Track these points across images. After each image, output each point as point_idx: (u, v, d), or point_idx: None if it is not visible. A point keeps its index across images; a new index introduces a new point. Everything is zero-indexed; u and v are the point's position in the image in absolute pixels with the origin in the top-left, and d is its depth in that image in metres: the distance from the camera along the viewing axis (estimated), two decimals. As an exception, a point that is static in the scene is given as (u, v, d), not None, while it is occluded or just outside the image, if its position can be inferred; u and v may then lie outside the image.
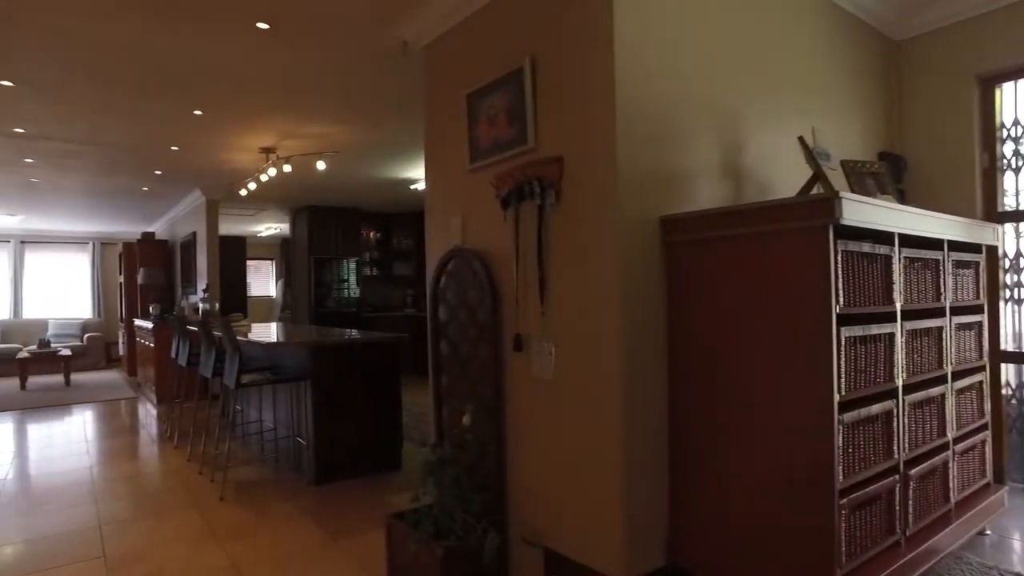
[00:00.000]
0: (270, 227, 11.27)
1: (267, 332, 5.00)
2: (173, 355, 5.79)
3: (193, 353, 5.33)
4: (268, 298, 13.26)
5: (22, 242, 11.11)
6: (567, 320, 2.30)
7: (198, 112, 4.46)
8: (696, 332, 2.17)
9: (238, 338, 4.01)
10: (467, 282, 2.72)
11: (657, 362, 2.22)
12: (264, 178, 5.52)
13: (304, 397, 4.12)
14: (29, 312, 11.07)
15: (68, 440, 5.36)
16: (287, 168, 5.20)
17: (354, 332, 4.76)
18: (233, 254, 9.07)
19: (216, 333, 4.61)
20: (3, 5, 2.94)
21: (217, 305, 6.14)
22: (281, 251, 13.30)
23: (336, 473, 4.09)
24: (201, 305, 6.11)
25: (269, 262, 13.52)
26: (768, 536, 1.95)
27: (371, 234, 9.90)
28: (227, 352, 4.06)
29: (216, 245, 7.61)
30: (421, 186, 7.14)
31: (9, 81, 3.89)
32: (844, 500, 1.84)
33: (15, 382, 8.67)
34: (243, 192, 6.20)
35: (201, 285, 7.77)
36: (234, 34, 3.24)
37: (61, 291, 11.42)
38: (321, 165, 5.12)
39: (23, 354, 8.85)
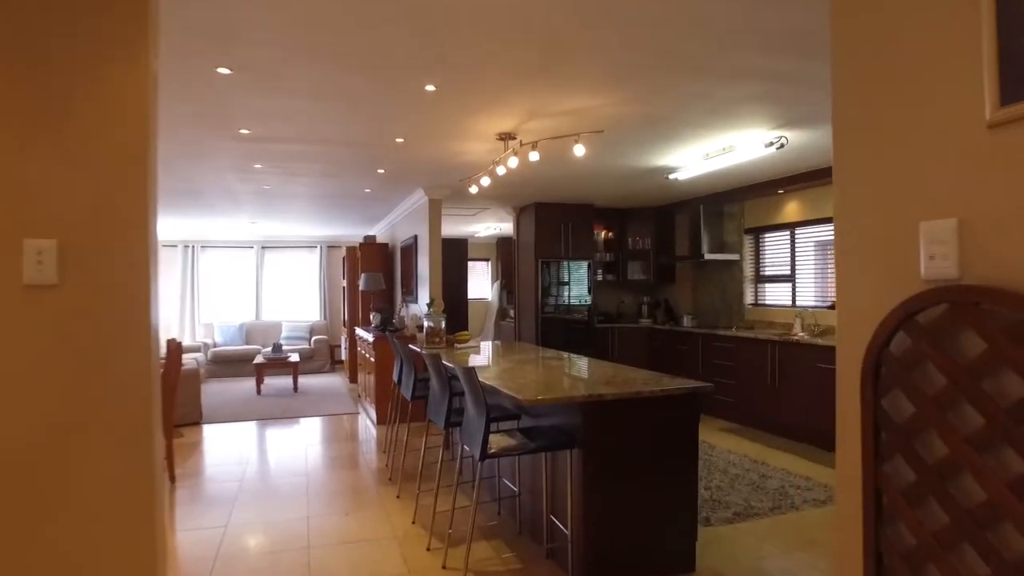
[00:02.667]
0: (489, 227, 10.53)
1: (507, 363, 3.90)
2: (395, 380, 4.98)
3: (419, 380, 4.42)
4: (484, 301, 12.66)
5: (263, 248, 11.55)
6: None
7: (430, 87, 3.43)
8: None
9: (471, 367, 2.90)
10: (977, 353, 1.23)
11: None
12: (502, 170, 4.44)
13: (568, 467, 2.91)
14: (267, 314, 11.49)
15: (290, 475, 4.74)
16: (534, 156, 4.05)
17: (640, 376, 3.45)
18: (454, 256, 8.34)
19: (447, 364, 3.58)
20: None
21: (443, 322, 5.27)
22: (497, 251, 12.62)
23: (609, 572, 2.85)
24: (426, 322, 5.27)
25: (485, 263, 12.93)
26: None
27: (604, 233, 8.64)
28: (469, 408, 2.98)
29: (439, 248, 6.83)
30: (683, 174, 5.66)
31: (227, 68, 3.13)
32: None
33: (253, 383, 8.78)
34: (473, 189, 5.23)
35: (423, 291, 7.05)
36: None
37: (293, 294, 11.74)
38: (579, 150, 3.89)
39: (259, 359, 8.95)
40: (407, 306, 8.09)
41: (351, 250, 9.87)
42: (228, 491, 4.39)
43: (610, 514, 2.89)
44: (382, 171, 5.75)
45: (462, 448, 3.76)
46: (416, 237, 7.40)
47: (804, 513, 3.88)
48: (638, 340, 8.15)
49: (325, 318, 11.74)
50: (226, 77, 3.24)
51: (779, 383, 5.82)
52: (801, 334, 5.99)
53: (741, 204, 7.25)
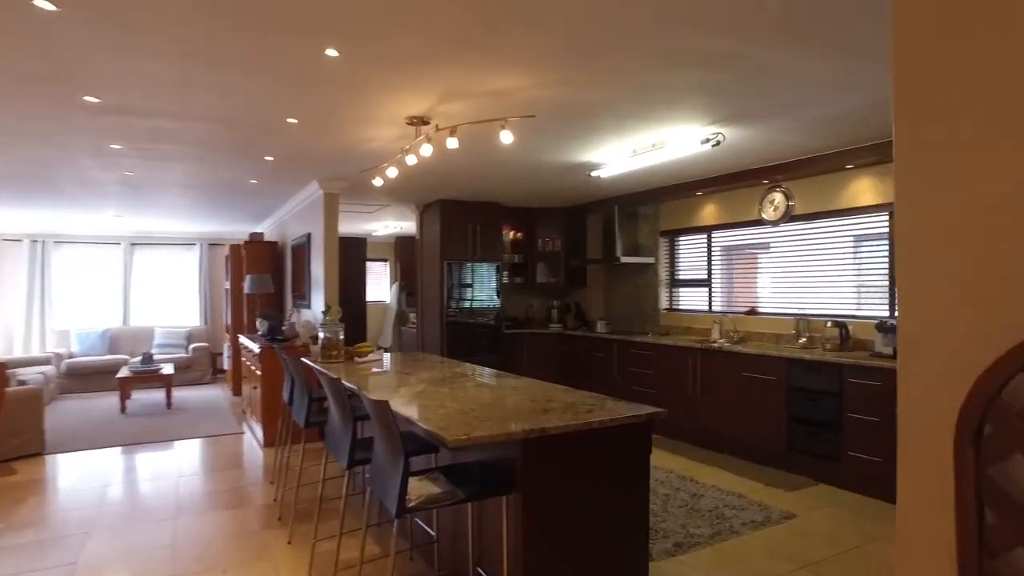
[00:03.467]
0: (389, 225, 9.84)
1: (418, 384, 3.34)
2: (286, 400, 4.30)
3: (315, 400, 3.79)
4: (382, 304, 11.92)
5: (132, 244, 10.24)
6: None
7: (332, 52, 2.82)
8: None
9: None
10: None
11: None
12: (412, 160, 3.87)
13: (503, 512, 2.41)
14: (136, 319, 10.19)
15: (154, 520, 3.93)
16: (452, 143, 3.51)
17: (580, 400, 3.00)
18: (352, 257, 7.63)
19: (349, 386, 2.99)
20: None
21: (341, 333, 4.62)
22: (397, 251, 11.92)
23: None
24: (321, 333, 4.60)
25: (383, 263, 12.18)
26: None
27: (512, 233, 8.21)
28: (380, 450, 2.41)
29: (335, 248, 6.13)
30: (606, 172, 5.31)
31: (49, 1, 2.38)
32: None
33: (118, 400, 7.62)
34: (378, 181, 4.61)
35: (317, 295, 6.32)
36: None
37: (168, 297, 10.50)
38: (506, 137, 3.39)
39: (124, 372, 7.80)
40: (299, 312, 7.29)
41: (235, 248, 8.88)
42: (66, 549, 3.54)
43: (553, 566, 2.42)
44: (271, 158, 4.99)
45: (348, 475, 3.16)
46: (309, 235, 6.65)
47: (745, 539, 3.60)
48: (549, 347, 7.79)
49: (206, 323, 10.59)
50: (52, 15, 2.47)
51: (700, 392, 5.61)
52: (721, 341, 5.82)
53: (656, 206, 7.05)
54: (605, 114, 3.82)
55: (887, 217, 4.95)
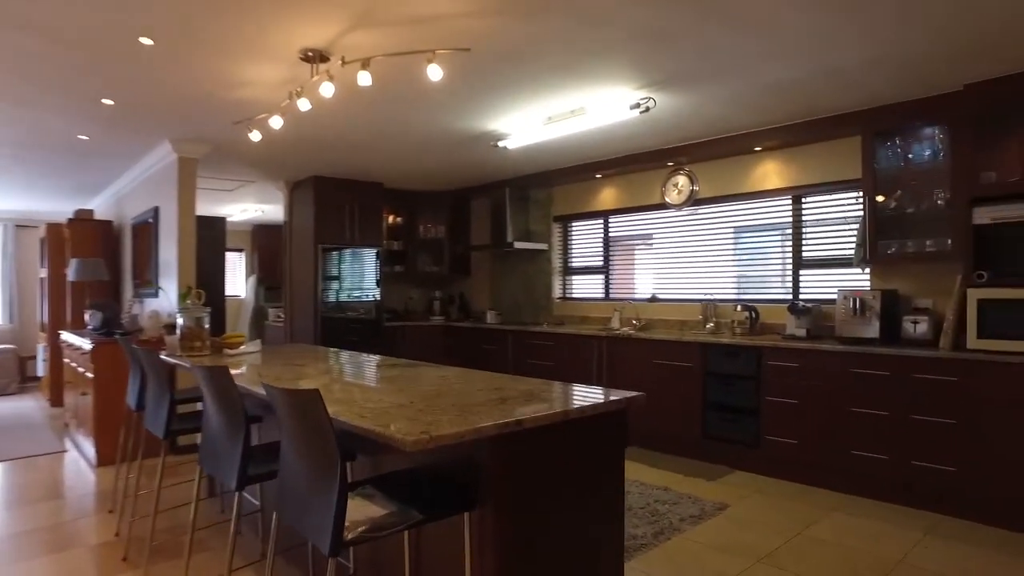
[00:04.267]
0: (247, 209, 8.71)
1: (321, 375, 2.67)
2: (133, 406, 3.40)
3: (177, 401, 2.97)
4: (237, 299, 10.65)
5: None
6: None
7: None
8: None
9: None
10: None
11: None
12: (305, 105, 3.15)
13: (463, 533, 1.86)
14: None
15: (-63, 574, 2.89)
16: (365, 79, 2.83)
17: (542, 388, 2.50)
18: (209, 240, 6.56)
19: (246, 387, 2.26)
20: None
21: (207, 320, 3.76)
22: (254, 240, 10.72)
23: None
24: (180, 321, 3.71)
25: (239, 253, 10.90)
26: None
27: (391, 218, 7.52)
28: (296, 464, 1.75)
29: (192, 226, 5.14)
30: (514, 142, 4.84)
31: None
32: None
33: None
34: (255, 136, 3.80)
35: (169, 283, 5.28)
36: None
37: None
38: (435, 73, 2.77)
39: None
40: (142, 302, 6.13)
41: (54, 229, 7.37)
42: None
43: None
44: (110, 102, 3.98)
45: (239, 498, 2.40)
46: (157, 211, 5.56)
47: (689, 535, 3.29)
48: (433, 340, 7.21)
49: (12, 321, 8.80)
50: None
51: (608, 383, 5.33)
52: (625, 329, 5.58)
53: (550, 190, 6.73)
54: (530, 65, 3.35)
55: (790, 202, 4.94)
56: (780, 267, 5.03)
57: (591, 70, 3.44)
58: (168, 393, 2.93)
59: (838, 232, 4.69)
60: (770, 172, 4.99)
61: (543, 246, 6.68)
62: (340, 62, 2.86)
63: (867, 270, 4.44)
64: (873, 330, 4.07)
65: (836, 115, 4.28)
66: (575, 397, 2.17)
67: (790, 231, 4.95)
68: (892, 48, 3.17)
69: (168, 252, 5.28)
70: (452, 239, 7.56)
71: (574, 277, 6.69)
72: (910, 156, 4.12)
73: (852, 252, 4.53)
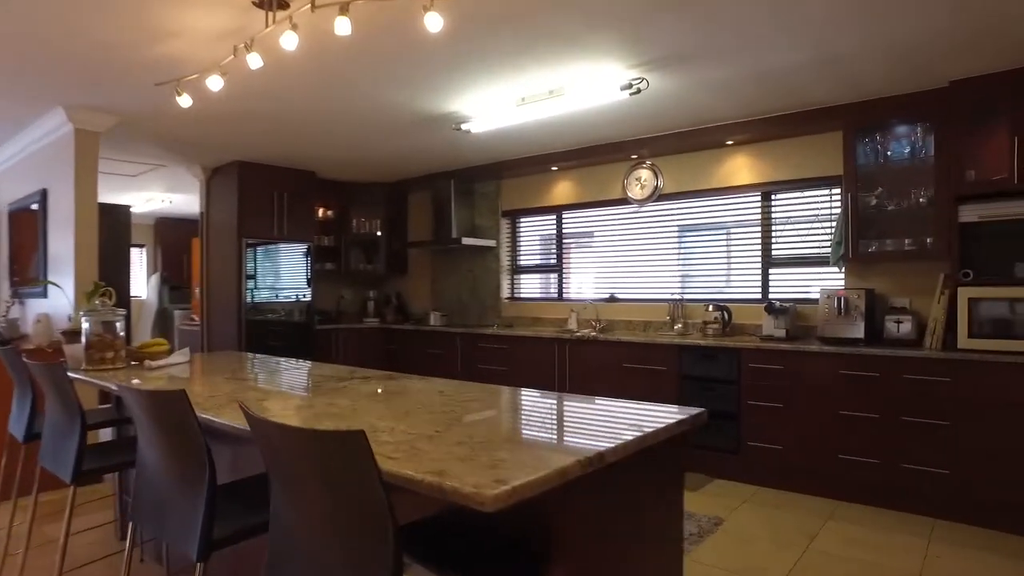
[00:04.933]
0: (153, 198, 7.73)
1: (300, 396, 2.12)
2: (20, 436, 2.72)
3: (85, 435, 2.33)
4: (137, 300, 9.54)
5: None
6: None
7: None
8: None
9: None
10: None
11: None
12: (256, 61, 2.59)
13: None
14: None
15: None
16: (343, 27, 2.30)
17: (607, 408, 2.08)
18: (110, 231, 5.66)
19: (213, 418, 1.70)
20: None
21: (120, 326, 3.08)
22: (156, 235, 9.65)
23: None
24: (86, 326, 3.01)
25: (139, 249, 9.77)
26: None
27: (322, 211, 6.85)
28: (324, 532, 1.26)
29: (94, 211, 4.34)
30: (479, 125, 4.39)
31: None
32: None
33: None
34: (185, 101, 3.14)
35: (64, 279, 4.44)
36: None
37: None
38: (433, 22, 2.24)
39: None
40: (22, 304, 5.19)
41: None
42: None
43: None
44: (-14, 58, 3.20)
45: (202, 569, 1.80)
46: (45, 195, 4.69)
47: (695, 556, 2.98)
48: (371, 345, 6.63)
49: None
50: None
51: (571, 389, 4.98)
52: (586, 331, 5.26)
53: (498, 183, 6.32)
54: (513, 32, 2.93)
55: (759, 198, 4.79)
56: (749, 266, 4.86)
57: (580, 40, 3.06)
58: (79, 423, 2.28)
59: (809, 230, 4.57)
60: (740, 167, 4.81)
61: (491, 242, 6.26)
62: (310, 6, 2.32)
63: (843, 269, 4.33)
64: (858, 330, 3.94)
65: (819, 108, 4.14)
66: (643, 417, 1.77)
67: (759, 229, 4.80)
68: (888, 38, 3.00)
69: (61, 244, 4.44)
70: (389, 234, 6.99)
71: (523, 276, 6.31)
72: (890, 153, 4.02)
73: (823, 250, 4.41)
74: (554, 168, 5.75)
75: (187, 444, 1.63)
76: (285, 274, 6.18)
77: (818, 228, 4.51)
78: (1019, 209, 3.46)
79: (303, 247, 6.28)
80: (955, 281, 3.62)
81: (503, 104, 4.05)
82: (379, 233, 6.98)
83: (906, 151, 3.98)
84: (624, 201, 5.42)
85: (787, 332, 4.27)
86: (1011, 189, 3.48)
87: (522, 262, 6.30)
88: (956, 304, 3.56)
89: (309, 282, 6.34)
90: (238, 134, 4.78)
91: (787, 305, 4.34)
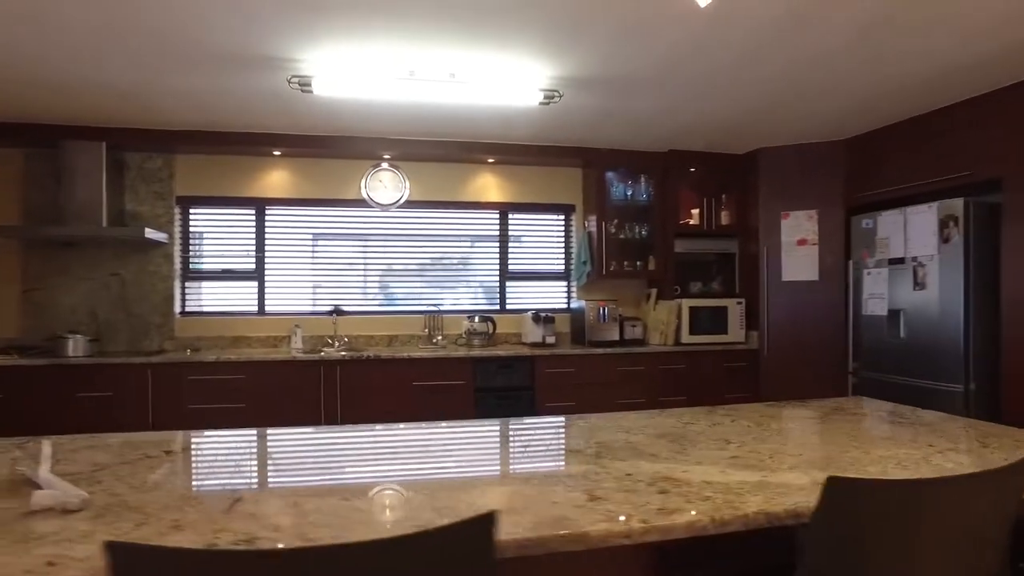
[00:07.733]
0: None
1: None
2: None
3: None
4: None
5: None
6: None
7: None
8: None
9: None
10: None
11: None
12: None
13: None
14: None
15: None
16: None
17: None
18: None
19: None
20: None
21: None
22: None
23: None
24: None
25: None
26: None
27: None
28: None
29: None
30: (328, 90, 3.42)
31: None
32: None
33: None
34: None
35: None
36: None
37: None
38: None
39: None
40: None
41: None
42: None
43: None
44: None
45: None
46: None
47: None
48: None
49: None
50: None
51: (346, 418, 4.32)
52: (330, 349, 4.62)
53: (170, 157, 4.76)
54: None
55: (498, 216, 5.24)
56: (490, 280, 5.24)
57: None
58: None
59: (541, 248, 5.31)
60: (489, 185, 5.14)
61: (162, 236, 4.65)
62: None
63: (576, 284, 5.22)
64: (615, 334, 4.89)
65: (581, 147, 4.91)
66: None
67: (498, 243, 5.24)
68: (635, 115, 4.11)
69: None
70: None
71: (203, 284, 4.93)
72: (629, 193, 5.12)
73: (554, 267, 5.24)
74: (276, 152, 4.76)
75: None
76: None
77: (550, 247, 5.29)
78: (703, 246, 5.06)
79: None
80: (669, 295, 4.97)
81: (381, 70, 3.32)
82: None
83: (637, 194, 5.14)
84: (361, 203, 4.97)
85: (557, 338, 4.89)
86: (700, 232, 5.04)
87: (203, 265, 4.91)
88: (681, 311, 4.90)
89: None
90: None
91: (552, 315, 4.95)
